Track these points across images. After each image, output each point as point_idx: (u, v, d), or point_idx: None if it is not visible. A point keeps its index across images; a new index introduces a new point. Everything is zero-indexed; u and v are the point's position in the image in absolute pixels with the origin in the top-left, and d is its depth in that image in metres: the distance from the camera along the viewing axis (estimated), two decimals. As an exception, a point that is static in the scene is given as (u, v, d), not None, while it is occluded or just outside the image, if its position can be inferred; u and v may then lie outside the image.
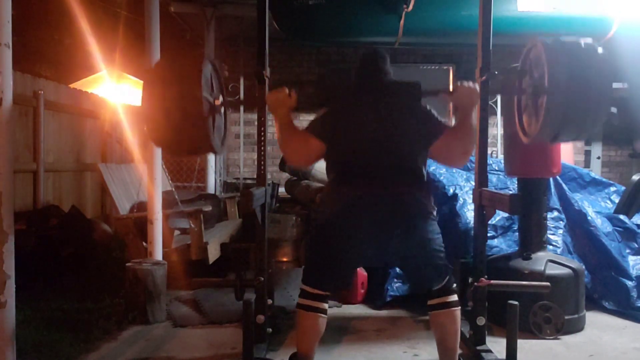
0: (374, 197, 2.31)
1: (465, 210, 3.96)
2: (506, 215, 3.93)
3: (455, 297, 2.43)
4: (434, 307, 2.42)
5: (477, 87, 2.43)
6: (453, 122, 2.52)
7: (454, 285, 2.46)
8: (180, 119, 2.38)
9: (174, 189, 4.84)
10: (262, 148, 2.91)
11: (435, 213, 2.43)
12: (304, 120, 6.90)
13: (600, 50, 2.37)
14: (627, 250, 3.90)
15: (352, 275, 2.52)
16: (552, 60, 2.34)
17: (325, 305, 2.45)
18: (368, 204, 2.31)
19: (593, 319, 3.51)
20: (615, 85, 2.39)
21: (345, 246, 2.37)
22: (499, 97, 6.44)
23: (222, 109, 2.74)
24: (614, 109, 2.38)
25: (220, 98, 2.69)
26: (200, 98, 2.38)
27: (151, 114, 2.44)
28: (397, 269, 3.66)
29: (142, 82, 2.52)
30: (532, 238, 3.46)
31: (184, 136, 2.45)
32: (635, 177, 4.27)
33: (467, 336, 3.00)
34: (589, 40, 2.40)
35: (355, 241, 2.36)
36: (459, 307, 2.43)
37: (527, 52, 2.62)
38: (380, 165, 2.35)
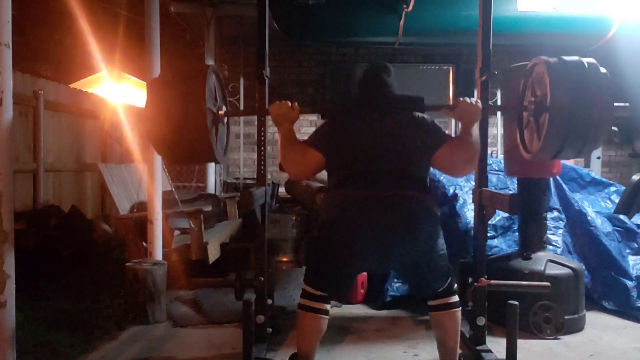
0: (377, 199, 2.29)
1: (465, 210, 3.96)
2: (506, 215, 3.93)
3: (456, 298, 2.43)
4: (436, 307, 2.42)
5: (479, 103, 2.45)
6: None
7: (455, 286, 2.47)
8: (184, 131, 2.40)
9: (174, 189, 4.84)
10: (262, 148, 2.91)
11: (439, 214, 2.43)
12: (304, 120, 6.91)
13: (602, 70, 2.39)
14: (627, 250, 3.90)
15: (353, 280, 2.51)
16: (554, 80, 2.35)
17: (327, 306, 2.44)
18: (371, 206, 2.29)
19: (593, 319, 3.51)
20: (617, 104, 2.42)
21: (347, 250, 2.35)
22: (498, 97, 6.44)
23: (225, 119, 2.77)
24: (614, 128, 2.40)
25: (223, 108, 2.71)
26: (204, 112, 2.40)
27: (155, 125, 2.46)
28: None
29: (145, 90, 2.54)
30: (532, 238, 3.46)
31: (187, 147, 2.48)
32: (635, 177, 4.26)
33: (467, 336, 3.00)
34: (591, 60, 2.42)
35: (357, 245, 2.33)
36: (460, 308, 2.44)
37: (530, 70, 2.62)
38: (383, 171, 2.34)
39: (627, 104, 2.48)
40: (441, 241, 2.40)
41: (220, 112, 2.64)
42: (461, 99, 2.43)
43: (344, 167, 2.42)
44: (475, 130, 2.42)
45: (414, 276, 2.48)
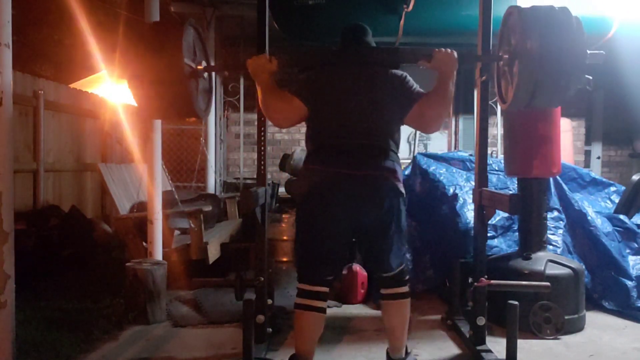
0: (350, 177, 2.35)
1: (465, 210, 3.96)
2: (506, 215, 3.93)
3: (406, 288, 2.54)
4: (387, 296, 2.53)
5: (455, 52, 2.47)
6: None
7: (407, 277, 2.57)
8: (160, 83, 2.44)
9: (174, 189, 4.83)
10: (262, 148, 2.92)
11: (404, 193, 2.46)
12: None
13: (573, 15, 2.39)
14: (627, 250, 3.90)
15: (341, 254, 2.54)
16: (525, 25, 2.37)
17: (323, 304, 2.46)
18: (343, 181, 2.35)
19: (593, 319, 3.51)
20: (592, 52, 2.42)
21: (323, 216, 2.39)
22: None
23: (206, 74, 2.79)
24: (588, 76, 2.40)
25: (203, 63, 2.74)
26: (179, 63, 2.43)
27: (135, 81, 2.49)
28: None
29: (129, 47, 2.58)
30: (532, 238, 3.46)
31: (166, 101, 2.51)
32: (635, 177, 4.27)
33: (467, 336, 3.00)
34: (564, 6, 2.42)
35: (331, 209, 2.37)
36: (409, 298, 2.54)
37: (505, 20, 2.65)
38: (355, 142, 2.39)
39: (602, 52, 2.46)
40: (403, 219, 2.45)
41: (200, 67, 2.67)
42: (436, 49, 2.46)
43: (321, 129, 2.46)
44: (451, 83, 2.43)
45: (374, 245, 2.49)
